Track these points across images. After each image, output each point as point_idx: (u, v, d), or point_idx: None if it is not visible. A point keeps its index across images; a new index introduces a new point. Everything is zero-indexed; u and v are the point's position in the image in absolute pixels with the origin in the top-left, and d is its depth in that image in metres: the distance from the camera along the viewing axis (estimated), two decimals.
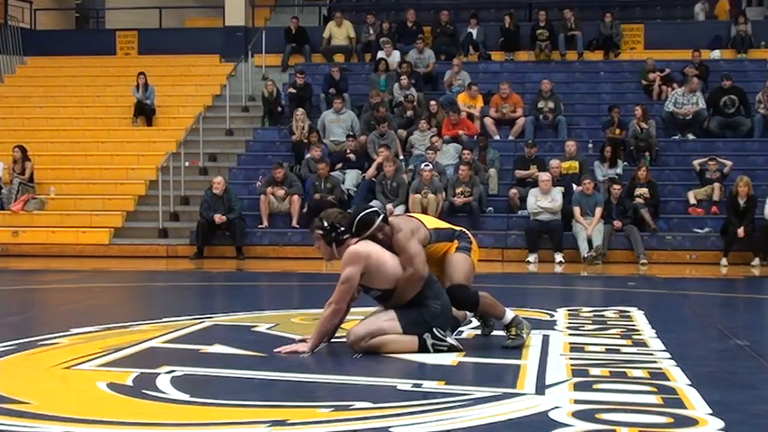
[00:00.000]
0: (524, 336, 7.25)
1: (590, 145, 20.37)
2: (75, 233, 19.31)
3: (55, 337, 7.73)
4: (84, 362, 6.63)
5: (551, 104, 21.32)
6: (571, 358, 6.83)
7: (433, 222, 7.59)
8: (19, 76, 26.38)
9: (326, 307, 7.01)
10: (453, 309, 7.43)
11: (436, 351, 6.94)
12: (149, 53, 26.44)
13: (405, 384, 5.88)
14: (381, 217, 7.09)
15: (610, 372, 6.32)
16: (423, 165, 18.48)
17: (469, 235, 7.72)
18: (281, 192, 18.63)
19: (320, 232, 7.05)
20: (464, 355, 6.87)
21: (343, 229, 7.03)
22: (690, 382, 5.95)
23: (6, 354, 6.99)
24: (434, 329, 6.98)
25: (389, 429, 4.81)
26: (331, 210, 7.35)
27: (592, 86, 23.53)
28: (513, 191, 18.58)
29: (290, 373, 6.24)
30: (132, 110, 23.44)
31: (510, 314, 7.32)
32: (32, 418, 5.03)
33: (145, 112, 23.38)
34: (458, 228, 7.74)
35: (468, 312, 7.69)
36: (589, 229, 17.18)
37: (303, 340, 7.13)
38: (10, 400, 5.43)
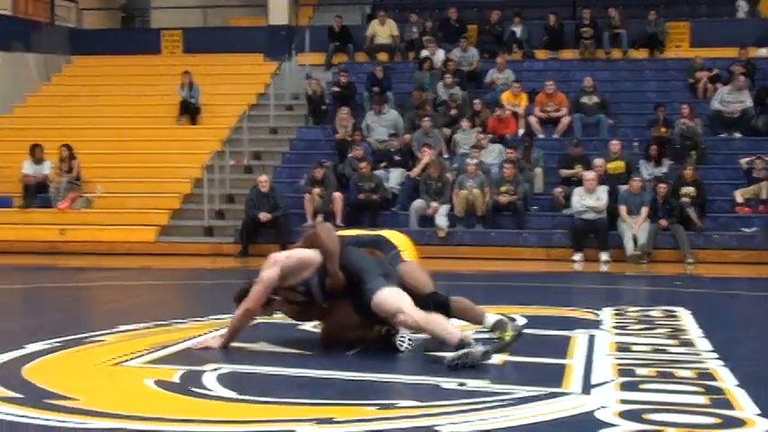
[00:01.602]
0: (507, 338, 6.97)
1: (635, 144, 20.23)
2: (122, 231, 19.44)
3: (102, 335, 7.80)
4: (130, 359, 6.69)
5: (596, 99, 21.21)
6: (617, 358, 6.80)
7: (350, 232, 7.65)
8: (65, 75, 26.58)
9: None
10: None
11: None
12: (194, 52, 26.53)
13: (450, 383, 5.88)
14: None
15: (656, 372, 6.29)
16: (468, 160, 18.49)
17: (389, 239, 7.58)
18: (317, 191, 18.66)
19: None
20: (509, 354, 6.86)
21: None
22: (738, 383, 5.91)
23: (54, 350, 7.07)
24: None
25: (435, 428, 4.81)
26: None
27: (637, 84, 23.36)
28: (558, 189, 18.49)
29: (335, 371, 6.26)
30: (177, 108, 23.56)
31: (492, 318, 7.14)
32: (81, 414, 5.08)
33: (190, 111, 23.49)
34: (372, 233, 7.69)
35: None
36: (635, 228, 17.08)
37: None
38: (58, 396, 5.49)
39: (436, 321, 6.81)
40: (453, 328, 6.80)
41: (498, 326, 7.07)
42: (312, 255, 7.08)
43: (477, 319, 7.19)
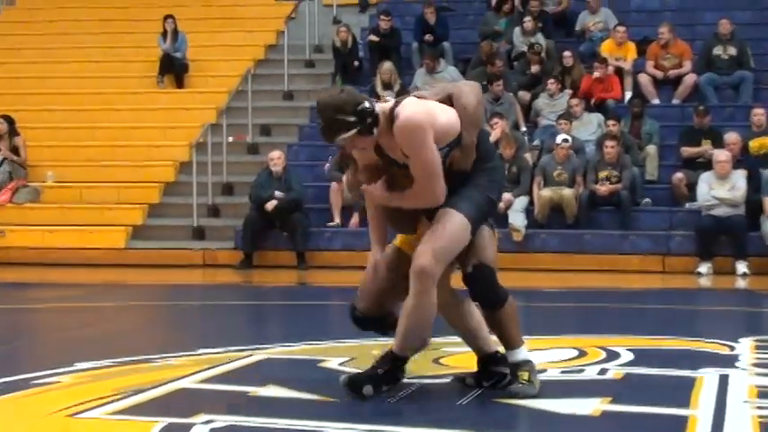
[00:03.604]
0: (537, 386, 7.03)
1: None
2: (81, 233, 19.53)
3: (54, 374, 7.84)
4: (92, 407, 6.73)
5: (732, 51, 21.07)
6: (760, 407, 6.78)
7: None
8: (4, 22, 26.75)
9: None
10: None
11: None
12: None
13: None
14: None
15: None
16: (559, 139, 18.39)
17: None
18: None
19: (356, 129, 6.67)
20: (610, 402, 6.86)
21: (368, 105, 6.73)
22: None
23: None
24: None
25: None
26: (329, 96, 6.83)
27: None
28: (679, 175, 18.43)
29: (375, 425, 6.27)
30: (157, 66, 23.65)
31: (526, 350, 7.16)
32: None
33: (174, 69, 23.58)
34: None
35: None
36: None
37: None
38: None
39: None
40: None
41: (528, 366, 7.08)
42: (457, 119, 6.87)
43: (512, 342, 7.14)
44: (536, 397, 6.91)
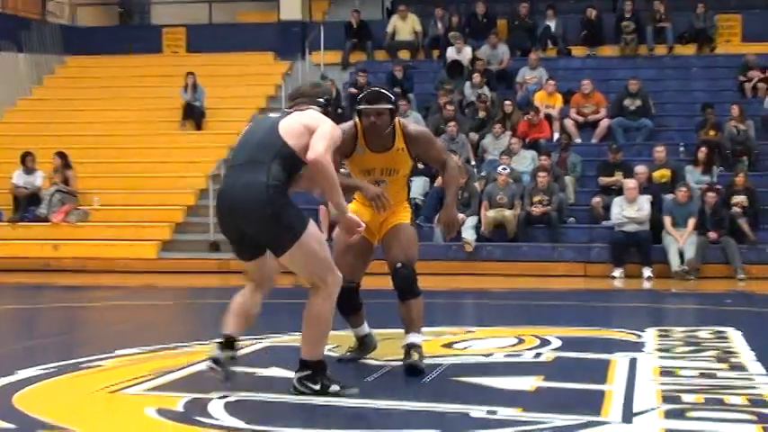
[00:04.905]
0: (423, 362, 7.21)
1: (681, 149, 20.17)
2: (121, 246, 19.52)
3: (99, 359, 7.84)
4: (130, 385, 6.73)
5: (638, 102, 21.15)
6: (662, 383, 6.80)
7: None
8: (58, 77, 26.69)
9: None
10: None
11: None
12: (198, 51, 26.63)
13: (478, 411, 5.89)
14: None
15: (704, 398, 6.29)
16: (499, 168, 18.48)
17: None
18: None
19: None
20: (543, 379, 6.88)
21: None
22: None
23: (48, 377, 7.11)
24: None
25: None
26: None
27: (683, 84, 23.28)
28: (597, 199, 18.47)
29: (353, 399, 6.28)
30: (180, 113, 23.65)
31: (422, 336, 7.35)
32: None
33: (194, 116, 23.57)
34: None
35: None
36: (681, 241, 17.05)
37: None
38: (52, 427, 5.52)
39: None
40: None
41: (419, 350, 7.27)
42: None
43: (416, 327, 7.33)
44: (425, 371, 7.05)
